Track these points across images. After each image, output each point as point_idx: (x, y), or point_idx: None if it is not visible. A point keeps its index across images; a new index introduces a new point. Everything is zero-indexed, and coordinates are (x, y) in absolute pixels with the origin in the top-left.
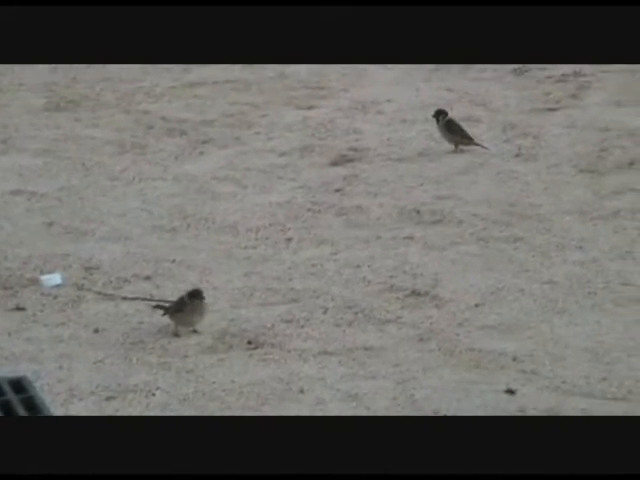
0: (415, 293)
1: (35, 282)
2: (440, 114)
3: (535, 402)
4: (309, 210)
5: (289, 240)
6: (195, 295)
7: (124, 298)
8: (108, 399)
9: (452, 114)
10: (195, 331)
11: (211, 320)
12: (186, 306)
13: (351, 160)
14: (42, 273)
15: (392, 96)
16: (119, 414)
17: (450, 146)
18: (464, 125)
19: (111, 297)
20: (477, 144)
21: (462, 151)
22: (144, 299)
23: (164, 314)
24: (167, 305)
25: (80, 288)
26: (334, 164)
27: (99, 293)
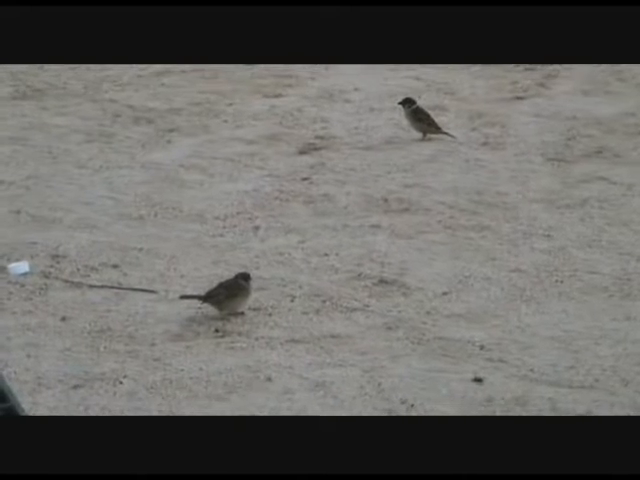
0: (383, 281)
1: (2, 270)
2: (407, 102)
3: (503, 391)
4: (276, 198)
5: (256, 228)
6: (247, 278)
7: (91, 286)
8: (75, 387)
9: (420, 102)
10: (242, 313)
11: (178, 308)
12: (242, 290)
13: (318, 148)
14: (9, 261)
15: (359, 85)
16: (86, 402)
17: (418, 134)
18: (432, 114)
19: (78, 285)
20: (444, 133)
21: (430, 139)
22: (111, 287)
23: (205, 302)
24: (205, 295)
25: (47, 276)
26: (301, 152)
27: (66, 281)
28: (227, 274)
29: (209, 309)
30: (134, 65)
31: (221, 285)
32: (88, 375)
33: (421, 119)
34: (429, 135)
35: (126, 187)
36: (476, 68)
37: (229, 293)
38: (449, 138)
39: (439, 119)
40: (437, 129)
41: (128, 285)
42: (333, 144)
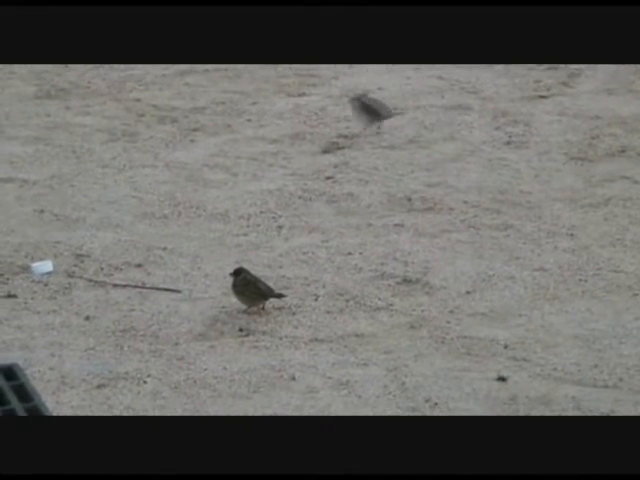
0: (406, 280)
1: (26, 269)
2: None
3: (526, 390)
4: (300, 198)
5: (280, 228)
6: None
7: (115, 285)
8: (99, 387)
9: (443, 101)
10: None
11: (202, 307)
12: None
13: (342, 148)
14: (33, 260)
15: (383, 84)
16: (110, 402)
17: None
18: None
19: (102, 284)
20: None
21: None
22: (135, 286)
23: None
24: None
25: (71, 275)
26: (325, 152)
27: (90, 280)
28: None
29: (232, 308)
30: (158, 64)
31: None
32: (112, 374)
33: (370, 110)
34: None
35: (150, 186)
36: (499, 67)
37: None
38: (473, 137)
39: (462, 118)
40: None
41: (152, 284)
42: (356, 143)
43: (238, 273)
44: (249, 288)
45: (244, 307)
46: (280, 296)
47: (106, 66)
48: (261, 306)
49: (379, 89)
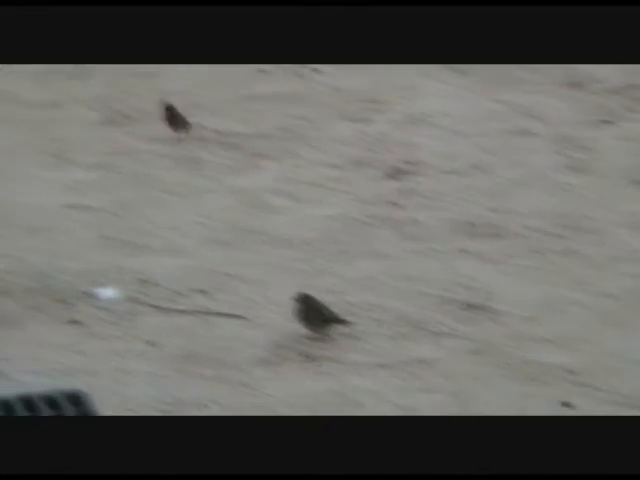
0: (470, 306)
1: (90, 295)
2: None
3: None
4: (363, 223)
5: (344, 253)
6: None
7: (179, 311)
8: (163, 412)
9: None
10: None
11: (266, 333)
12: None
13: (405, 173)
14: (97, 286)
15: (446, 109)
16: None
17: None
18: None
19: (166, 310)
20: None
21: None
22: (199, 312)
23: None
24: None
25: (135, 301)
26: (388, 177)
27: (154, 306)
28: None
29: (296, 334)
30: (221, 90)
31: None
32: (176, 400)
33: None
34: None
35: (213, 212)
36: (562, 91)
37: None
38: (536, 162)
39: (525, 143)
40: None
41: (216, 310)
42: (420, 168)
43: (302, 299)
44: (313, 314)
45: (308, 333)
46: (344, 322)
47: (170, 91)
48: (325, 332)
49: (442, 114)
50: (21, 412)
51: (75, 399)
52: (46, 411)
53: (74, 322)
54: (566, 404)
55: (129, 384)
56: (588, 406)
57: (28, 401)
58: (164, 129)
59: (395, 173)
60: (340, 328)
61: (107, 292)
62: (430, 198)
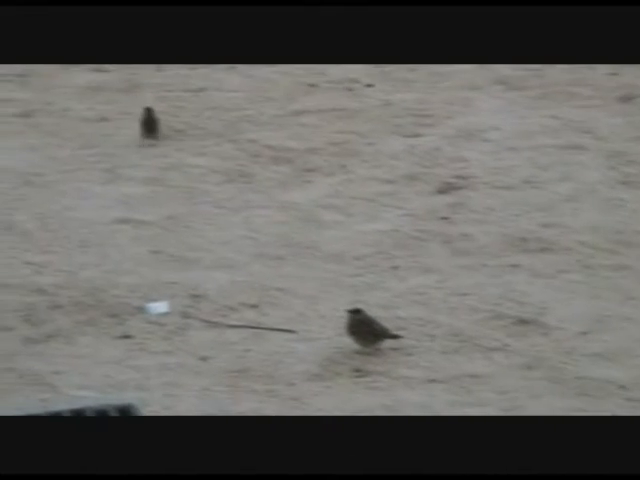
0: (521, 321)
1: (142, 310)
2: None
3: None
4: (415, 238)
5: (395, 268)
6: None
7: (230, 326)
8: None
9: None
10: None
11: (317, 348)
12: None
13: (457, 188)
14: (149, 301)
15: (497, 124)
16: None
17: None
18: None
19: (217, 325)
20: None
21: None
22: (250, 327)
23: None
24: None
25: (186, 316)
26: (440, 192)
27: (205, 321)
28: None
29: (348, 348)
30: (272, 105)
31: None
32: (226, 415)
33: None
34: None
35: (265, 227)
36: (614, 107)
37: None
38: (587, 177)
39: (577, 157)
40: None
41: (267, 325)
42: (472, 183)
43: (354, 313)
44: (365, 329)
45: (359, 348)
46: (396, 337)
47: (221, 107)
48: (376, 347)
49: (493, 129)
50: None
51: (126, 413)
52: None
53: (126, 337)
54: None
55: (180, 398)
56: None
57: (80, 415)
58: (215, 143)
59: (446, 188)
60: (391, 343)
61: (159, 307)
62: (481, 213)
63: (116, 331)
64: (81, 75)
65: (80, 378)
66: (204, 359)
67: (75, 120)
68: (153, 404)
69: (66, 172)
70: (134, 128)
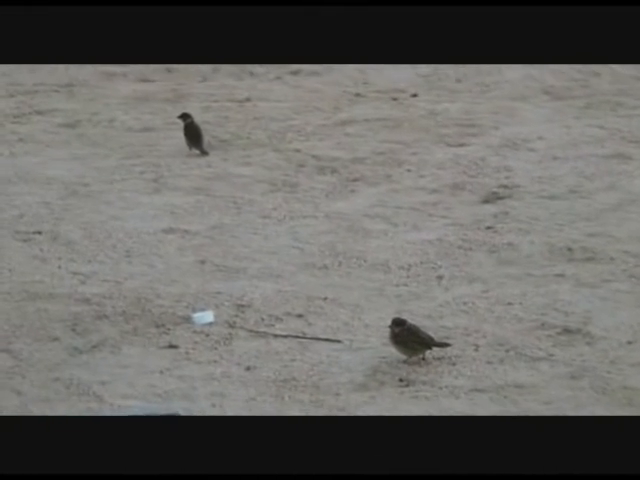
0: (567, 330)
1: (187, 320)
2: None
3: None
4: (460, 247)
5: (440, 278)
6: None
7: (276, 336)
8: None
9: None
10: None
11: (362, 357)
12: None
13: (502, 197)
14: (194, 311)
15: (543, 133)
16: None
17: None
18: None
19: (263, 335)
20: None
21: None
22: (296, 337)
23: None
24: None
25: (232, 326)
26: (485, 201)
27: (251, 331)
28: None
29: (392, 358)
30: (318, 114)
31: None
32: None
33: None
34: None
35: (310, 237)
36: None
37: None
38: (631, 188)
39: (622, 167)
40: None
41: (312, 334)
42: (517, 193)
43: (399, 323)
44: (411, 338)
45: (404, 357)
46: (443, 345)
47: (266, 117)
48: (421, 356)
49: (539, 138)
50: None
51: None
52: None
53: (171, 346)
54: None
55: (226, 408)
56: None
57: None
58: (261, 153)
59: (492, 197)
60: (436, 352)
61: (204, 316)
62: (526, 222)
63: (162, 341)
64: (126, 85)
65: (126, 388)
66: (250, 369)
67: (121, 130)
68: (199, 414)
69: (112, 182)
70: (179, 138)
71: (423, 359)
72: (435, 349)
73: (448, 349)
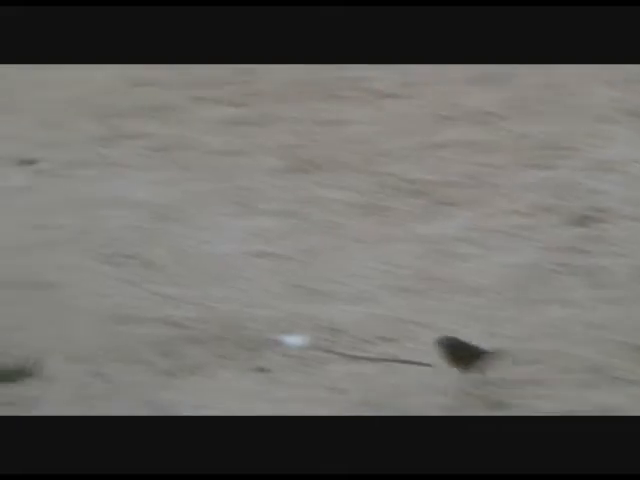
0: None
1: (278, 343)
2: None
3: None
4: (552, 271)
5: (533, 301)
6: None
7: (366, 359)
8: None
9: None
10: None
11: (452, 381)
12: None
13: (592, 220)
14: (285, 334)
15: (635, 156)
16: None
17: None
18: None
19: (355, 358)
20: None
21: None
22: (387, 360)
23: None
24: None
25: (323, 349)
26: (575, 224)
27: (342, 354)
28: (503, 347)
29: (482, 381)
30: (409, 138)
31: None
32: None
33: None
34: None
35: (402, 260)
36: None
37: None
38: None
39: None
40: None
41: (403, 358)
42: (609, 216)
43: (443, 342)
44: (457, 352)
45: (493, 380)
46: (530, 369)
47: (356, 139)
48: (511, 380)
49: (634, 161)
50: None
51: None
52: None
53: (262, 370)
54: None
55: None
56: None
57: None
58: (351, 177)
59: (582, 220)
60: (524, 374)
61: (295, 340)
62: (617, 245)
63: (252, 364)
64: (215, 109)
65: (217, 412)
66: (341, 392)
67: (210, 154)
68: None
69: (201, 206)
70: (269, 161)
71: (512, 383)
72: (524, 372)
73: (539, 372)
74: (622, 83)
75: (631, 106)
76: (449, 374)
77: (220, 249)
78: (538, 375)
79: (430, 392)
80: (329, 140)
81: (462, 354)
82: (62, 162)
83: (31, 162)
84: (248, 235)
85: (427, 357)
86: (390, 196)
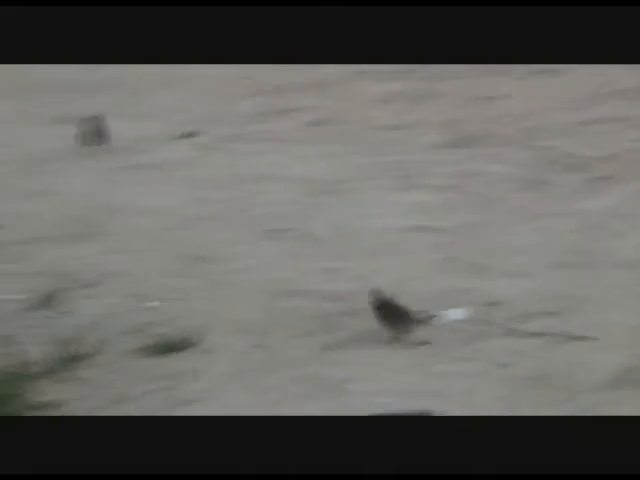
0: None
1: (437, 317)
2: None
3: None
4: None
5: None
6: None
7: (528, 333)
8: None
9: None
10: None
11: (614, 356)
12: None
13: None
14: (444, 308)
15: None
16: None
17: None
18: None
19: (514, 332)
20: None
21: None
22: (548, 334)
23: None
24: None
25: (482, 323)
26: None
27: (502, 328)
28: None
29: None
30: (567, 113)
31: None
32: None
33: None
34: None
35: (560, 235)
36: None
37: None
38: None
39: None
40: None
41: (564, 333)
42: None
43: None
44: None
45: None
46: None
47: (516, 113)
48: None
49: None
50: None
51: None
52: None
53: (421, 343)
54: None
55: (479, 406)
56: None
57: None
58: (511, 151)
59: None
60: None
61: (454, 313)
62: None
63: (411, 338)
64: (377, 84)
65: (375, 385)
66: (502, 366)
67: (370, 128)
68: (452, 412)
69: (361, 180)
70: (429, 136)
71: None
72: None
73: None
74: None
75: None
76: (611, 349)
77: (379, 223)
78: None
79: (594, 367)
80: (489, 114)
81: (394, 317)
82: (221, 136)
83: (191, 135)
84: (407, 209)
85: (591, 331)
86: (548, 170)
